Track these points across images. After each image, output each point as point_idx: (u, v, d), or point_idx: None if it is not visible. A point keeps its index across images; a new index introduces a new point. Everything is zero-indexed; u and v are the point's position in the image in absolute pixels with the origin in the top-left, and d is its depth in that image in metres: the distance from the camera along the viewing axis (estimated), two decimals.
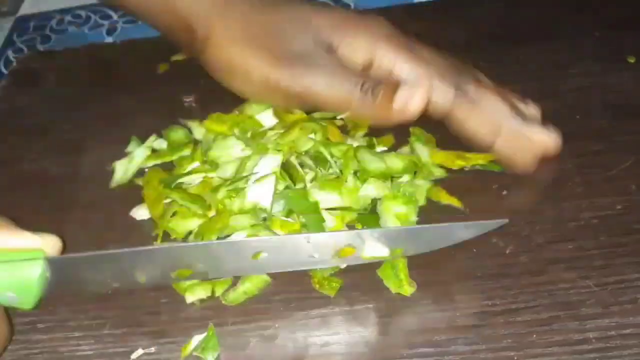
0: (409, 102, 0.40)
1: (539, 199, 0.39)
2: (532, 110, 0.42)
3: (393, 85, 0.40)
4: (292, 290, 0.37)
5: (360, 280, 0.37)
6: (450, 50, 0.44)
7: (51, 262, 0.32)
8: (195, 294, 0.37)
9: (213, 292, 0.37)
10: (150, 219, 0.42)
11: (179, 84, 0.51)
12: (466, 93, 0.40)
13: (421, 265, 0.37)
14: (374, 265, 0.37)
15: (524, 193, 0.40)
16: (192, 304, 0.37)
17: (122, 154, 0.46)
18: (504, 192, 0.40)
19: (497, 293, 0.35)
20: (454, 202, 0.40)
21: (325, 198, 0.38)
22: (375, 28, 0.42)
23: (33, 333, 0.37)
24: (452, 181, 0.41)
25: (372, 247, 0.36)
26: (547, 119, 0.44)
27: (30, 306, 0.33)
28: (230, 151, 0.41)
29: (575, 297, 0.34)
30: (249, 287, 0.37)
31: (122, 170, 0.45)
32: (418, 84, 0.40)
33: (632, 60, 0.48)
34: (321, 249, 0.35)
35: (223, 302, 0.36)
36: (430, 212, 0.39)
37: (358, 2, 0.59)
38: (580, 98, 0.45)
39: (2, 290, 0.32)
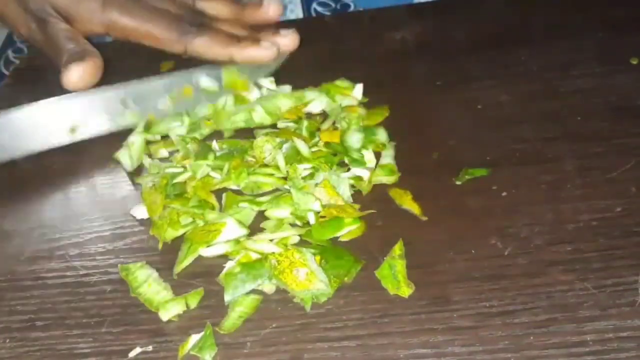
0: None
1: (538, 201, 0.39)
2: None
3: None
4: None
5: (358, 281, 0.37)
6: (451, 51, 0.44)
7: None
8: (169, 310, 0.36)
9: (187, 305, 0.37)
10: (150, 219, 0.42)
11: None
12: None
13: (419, 267, 0.37)
14: (372, 267, 0.37)
15: (523, 194, 0.40)
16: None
17: None
18: (503, 194, 0.40)
19: (494, 295, 0.35)
20: (414, 208, 0.40)
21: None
22: None
23: (31, 331, 0.37)
24: (451, 182, 0.41)
25: (204, 81, 0.46)
26: (548, 120, 0.44)
27: None
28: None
29: (573, 299, 0.34)
30: (242, 310, 0.36)
31: (127, 157, 0.46)
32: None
33: (634, 61, 0.47)
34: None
35: (220, 332, 0.35)
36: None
37: (358, 2, 0.59)
38: (582, 99, 0.45)
39: None
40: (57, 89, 0.41)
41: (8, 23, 0.48)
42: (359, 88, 0.48)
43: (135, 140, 0.47)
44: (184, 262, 0.39)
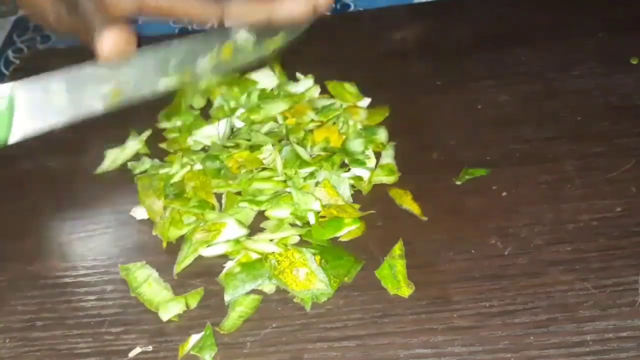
0: None
1: (538, 201, 0.39)
2: None
3: None
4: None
5: (358, 281, 0.37)
6: (451, 51, 0.44)
7: (15, 87, 0.37)
8: (169, 310, 0.36)
9: (187, 305, 0.37)
10: (150, 219, 0.42)
11: None
12: None
13: (419, 267, 0.37)
14: (372, 267, 0.37)
15: (523, 194, 0.40)
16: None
17: None
18: (504, 194, 0.40)
19: (494, 294, 0.35)
20: (414, 208, 0.40)
21: None
22: None
23: (31, 330, 0.37)
24: (451, 182, 0.41)
25: (244, 36, 0.44)
26: (548, 120, 0.44)
27: (3, 138, 0.37)
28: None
29: (573, 299, 0.34)
30: (242, 310, 0.36)
31: (112, 158, 0.46)
32: None
33: (634, 61, 0.47)
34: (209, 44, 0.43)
35: (221, 332, 0.35)
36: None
37: (358, 2, 0.59)
38: (582, 99, 0.45)
39: None
40: None
41: (35, 10, 0.46)
42: (365, 101, 0.48)
43: (130, 146, 0.47)
44: (185, 261, 0.39)
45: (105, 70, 0.40)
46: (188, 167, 0.43)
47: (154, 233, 0.41)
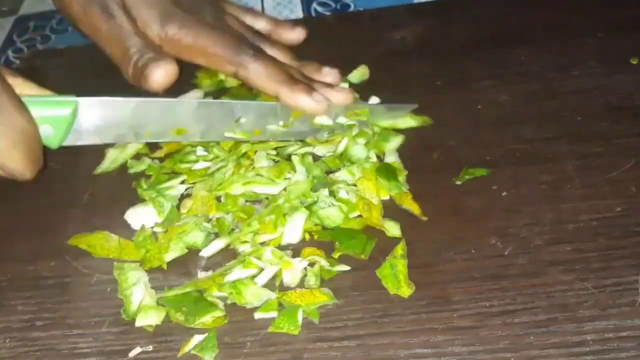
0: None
1: (538, 201, 0.39)
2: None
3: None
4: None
5: (358, 281, 0.37)
6: (451, 51, 0.44)
7: (81, 103, 0.40)
8: (148, 318, 0.36)
9: (168, 316, 0.36)
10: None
11: (182, 81, 0.50)
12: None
13: (419, 267, 0.37)
14: (373, 266, 0.37)
15: (523, 194, 0.40)
16: None
17: None
18: (504, 194, 0.40)
19: (495, 294, 0.35)
20: (414, 208, 0.40)
21: None
22: None
23: (31, 330, 0.37)
24: (451, 182, 0.41)
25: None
26: (548, 120, 0.44)
27: (58, 141, 0.40)
28: None
29: (573, 299, 0.34)
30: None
31: (112, 158, 0.46)
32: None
33: (634, 61, 0.47)
34: (284, 113, 0.44)
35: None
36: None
37: (358, 2, 0.59)
38: (582, 99, 0.45)
39: (41, 122, 0.38)
40: (57, 88, 0.40)
41: (71, 13, 0.46)
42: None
43: (130, 146, 0.46)
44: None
45: (169, 107, 0.43)
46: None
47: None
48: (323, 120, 0.44)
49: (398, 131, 0.45)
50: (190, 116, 0.43)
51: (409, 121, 0.45)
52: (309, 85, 0.45)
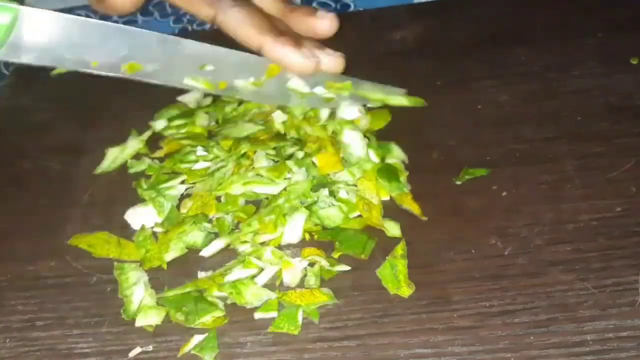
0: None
1: (538, 201, 0.39)
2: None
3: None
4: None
5: (358, 281, 0.37)
6: (451, 51, 0.44)
7: (23, 12, 0.35)
8: (148, 318, 0.36)
9: (168, 316, 0.36)
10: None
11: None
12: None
13: (419, 267, 0.37)
14: (373, 266, 0.37)
15: (523, 194, 0.40)
16: None
17: None
18: (504, 194, 0.40)
19: (494, 294, 0.35)
20: (414, 208, 0.40)
21: None
22: None
23: (31, 330, 0.37)
24: (451, 182, 0.41)
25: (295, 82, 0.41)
26: (548, 120, 0.44)
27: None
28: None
29: (573, 299, 0.34)
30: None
31: (112, 158, 0.46)
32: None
33: (635, 61, 0.47)
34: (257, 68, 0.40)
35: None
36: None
37: (358, 2, 0.59)
38: (582, 99, 0.45)
39: None
40: (57, 88, 0.40)
41: None
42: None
43: (130, 146, 0.46)
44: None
45: (125, 36, 0.38)
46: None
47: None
48: (299, 85, 0.40)
49: (390, 109, 0.45)
50: (149, 51, 0.38)
51: (401, 100, 0.45)
52: (298, 39, 0.41)
